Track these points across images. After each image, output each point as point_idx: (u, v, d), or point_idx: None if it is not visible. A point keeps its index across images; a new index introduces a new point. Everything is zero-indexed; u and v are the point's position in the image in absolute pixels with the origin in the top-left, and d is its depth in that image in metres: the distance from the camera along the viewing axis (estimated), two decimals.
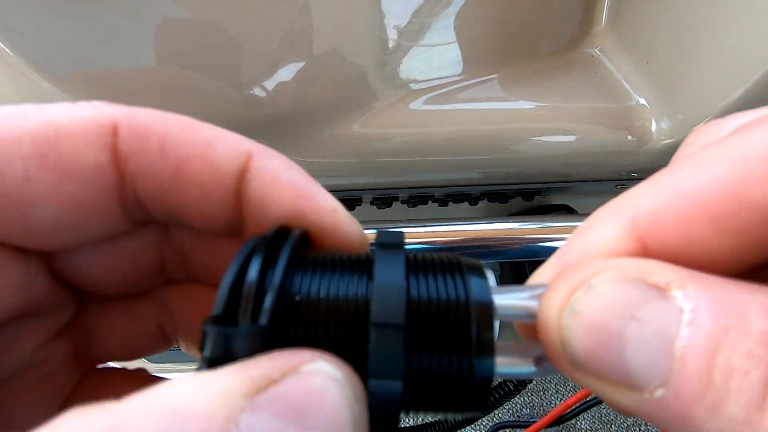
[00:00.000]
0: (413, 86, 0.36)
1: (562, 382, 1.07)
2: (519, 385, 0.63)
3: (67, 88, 0.32)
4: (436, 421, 0.67)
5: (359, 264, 0.13)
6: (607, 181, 0.44)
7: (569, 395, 1.01)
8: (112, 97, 0.32)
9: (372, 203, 0.47)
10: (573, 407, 0.44)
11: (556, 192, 0.49)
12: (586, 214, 0.30)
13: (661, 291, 0.11)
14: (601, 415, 1.04)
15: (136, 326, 0.18)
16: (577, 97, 0.38)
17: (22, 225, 0.13)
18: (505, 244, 0.38)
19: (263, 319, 0.11)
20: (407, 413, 0.12)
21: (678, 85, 0.35)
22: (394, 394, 0.11)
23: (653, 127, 0.38)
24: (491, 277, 0.13)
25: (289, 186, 0.14)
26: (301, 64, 0.32)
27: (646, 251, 0.12)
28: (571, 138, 0.38)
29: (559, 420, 0.45)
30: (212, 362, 0.11)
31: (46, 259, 0.15)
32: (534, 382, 1.06)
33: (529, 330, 0.13)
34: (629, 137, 0.38)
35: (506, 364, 0.13)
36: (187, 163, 0.13)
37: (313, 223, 0.14)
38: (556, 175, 0.43)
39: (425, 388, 0.12)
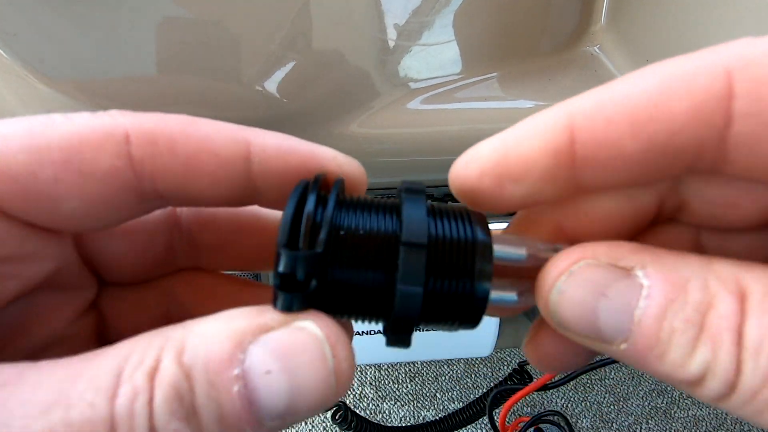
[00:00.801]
0: (412, 85, 0.36)
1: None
2: (520, 384, 0.63)
3: (63, 90, 0.32)
4: (436, 420, 0.67)
5: (389, 206, 0.16)
6: None
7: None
8: (110, 97, 0.32)
9: None
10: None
11: None
12: None
13: (626, 272, 0.14)
14: (602, 414, 1.04)
15: (145, 312, 0.21)
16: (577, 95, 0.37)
17: (52, 214, 0.15)
18: None
19: (320, 248, 0.14)
20: (419, 323, 0.16)
21: None
22: (416, 296, 0.15)
23: None
24: (490, 226, 0.17)
25: (292, 153, 0.17)
26: (300, 64, 0.32)
27: (572, 142, 0.15)
28: None
29: (546, 387, 0.52)
30: (283, 276, 0.14)
31: (74, 241, 0.18)
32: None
33: (514, 269, 0.17)
34: None
35: (497, 291, 0.16)
36: (195, 158, 0.16)
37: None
38: None
39: (437, 303, 0.15)
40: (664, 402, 1.05)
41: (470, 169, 0.17)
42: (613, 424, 1.03)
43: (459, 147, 0.24)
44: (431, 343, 0.67)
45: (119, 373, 0.13)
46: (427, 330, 0.14)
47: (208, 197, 0.17)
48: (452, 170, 0.17)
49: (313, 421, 1.00)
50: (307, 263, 0.14)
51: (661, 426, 1.03)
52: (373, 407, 1.03)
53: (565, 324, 0.15)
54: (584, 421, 1.03)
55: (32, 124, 0.15)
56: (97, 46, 0.30)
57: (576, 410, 1.04)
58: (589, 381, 1.06)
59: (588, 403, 1.05)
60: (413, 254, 0.15)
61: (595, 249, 0.15)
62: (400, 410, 1.02)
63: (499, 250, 0.16)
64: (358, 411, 0.83)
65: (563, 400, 1.04)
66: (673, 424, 1.03)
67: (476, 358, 0.59)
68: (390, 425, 0.69)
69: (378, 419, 1.02)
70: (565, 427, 0.87)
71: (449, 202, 0.18)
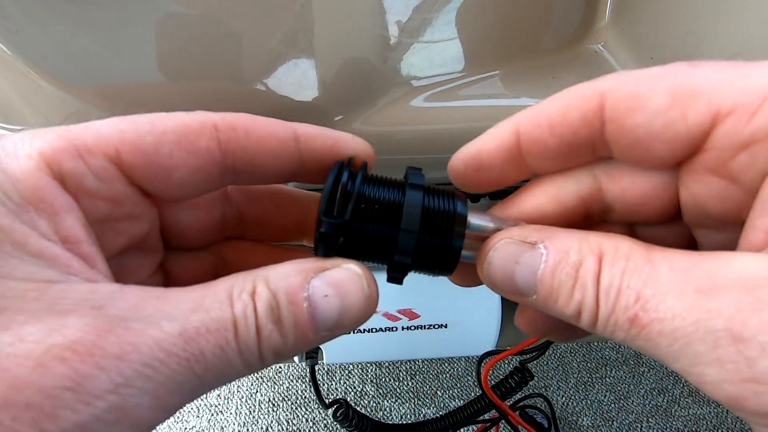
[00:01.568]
0: (415, 83, 0.36)
1: (560, 376, 1.08)
2: (521, 382, 0.63)
3: (65, 87, 0.31)
4: (436, 419, 0.67)
5: (397, 183, 0.23)
6: None
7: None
8: (113, 95, 0.32)
9: None
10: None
11: None
12: None
13: (532, 246, 0.20)
14: (603, 413, 1.04)
15: (201, 274, 0.27)
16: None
17: (165, 182, 0.21)
18: None
19: (348, 216, 0.21)
20: (412, 266, 0.22)
21: None
22: (410, 239, 0.21)
23: None
24: (469, 202, 0.23)
25: (324, 135, 0.23)
26: (301, 61, 0.32)
27: (518, 141, 0.22)
28: None
29: (522, 351, 0.59)
30: (323, 235, 0.21)
31: (159, 210, 0.24)
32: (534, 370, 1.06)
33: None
34: None
35: (466, 251, 0.22)
36: (263, 139, 0.21)
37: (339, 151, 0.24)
38: None
39: (424, 251, 0.22)
40: (665, 400, 1.05)
41: (458, 162, 0.24)
42: (614, 423, 1.03)
43: (462, 144, 0.24)
44: (432, 341, 0.68)
45: (230, 294, 0.18)
46: (417, 272, 0.23)
47: (269, 171, 0.22)
48: (449, 164, 0.24)
49: (314, 419, 1.01)
50: (339, 227, 0.20)
51: (662, 424, 1.03)
52: (374, 405, 1.03)
53: (494, 284, 0.22)
54: (585, 419, 1.03)
55: (154, 117, 0.20)
56: (99, 43, 0.30)
57: (576, 408, 1.04)
58: (589, 379, 1.06)
59: (588, 401, 1.05)
60: (411, 216, 0.21)
61: (512, 231, 0.22)
62: (400, 408, 1.02)
63: (472, 219, 0.23)
64: (359, 408, 0.83)
65: (564, 398, 1.04)
66: (674, 423, 1.03)
67: (477, 357, 0.60)
68: (391, 423, 0.69)
69: (379, 417, 1.02)
70: (548, 410, 0.91)
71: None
